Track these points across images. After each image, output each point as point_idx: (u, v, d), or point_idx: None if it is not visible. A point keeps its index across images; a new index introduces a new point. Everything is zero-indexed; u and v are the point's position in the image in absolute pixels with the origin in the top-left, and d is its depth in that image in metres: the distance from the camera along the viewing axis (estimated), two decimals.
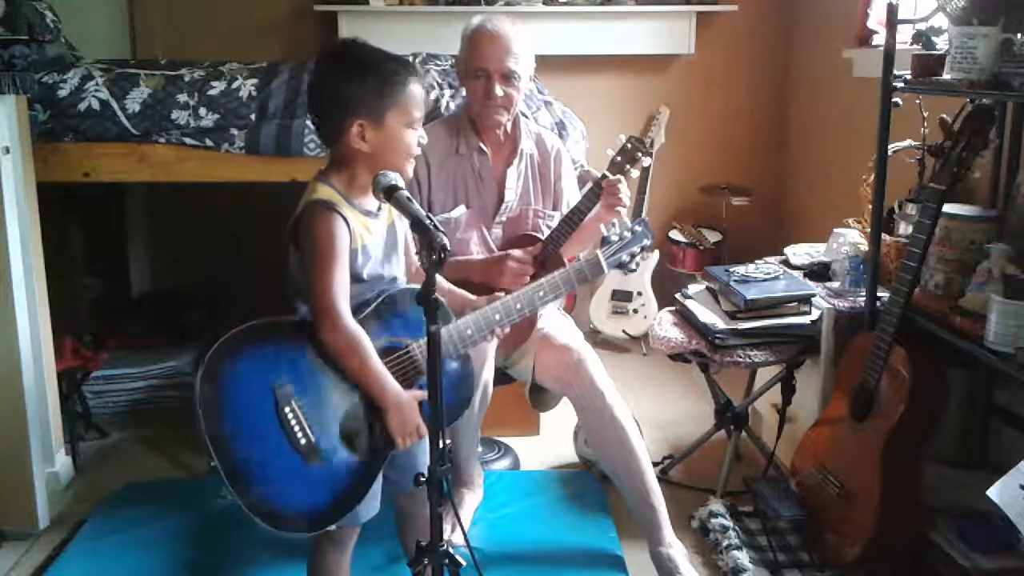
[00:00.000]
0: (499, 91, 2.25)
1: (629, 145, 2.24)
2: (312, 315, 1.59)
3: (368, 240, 1.67)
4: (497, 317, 1.76)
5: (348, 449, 1.62)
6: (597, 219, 2.29)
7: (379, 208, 1.71)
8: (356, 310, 1.64)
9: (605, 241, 1.91)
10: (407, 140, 1.67)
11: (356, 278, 1.65)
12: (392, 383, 1.61)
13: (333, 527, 1.69)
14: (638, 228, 1.92)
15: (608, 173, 2.23)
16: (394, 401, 1.60)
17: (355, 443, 1.63)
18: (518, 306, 1.77)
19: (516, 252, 2.28)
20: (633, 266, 1.95)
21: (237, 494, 1.56)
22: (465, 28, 2.32)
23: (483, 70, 2.25)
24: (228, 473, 1.56)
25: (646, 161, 2.29)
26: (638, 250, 1.92)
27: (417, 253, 1.42)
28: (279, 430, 1.58)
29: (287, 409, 1.59)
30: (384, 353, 1.65)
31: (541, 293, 1.80)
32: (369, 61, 1.66)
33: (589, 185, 2.28)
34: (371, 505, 1.71)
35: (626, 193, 2.25)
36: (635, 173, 2.29)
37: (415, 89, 1.67)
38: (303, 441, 1.59)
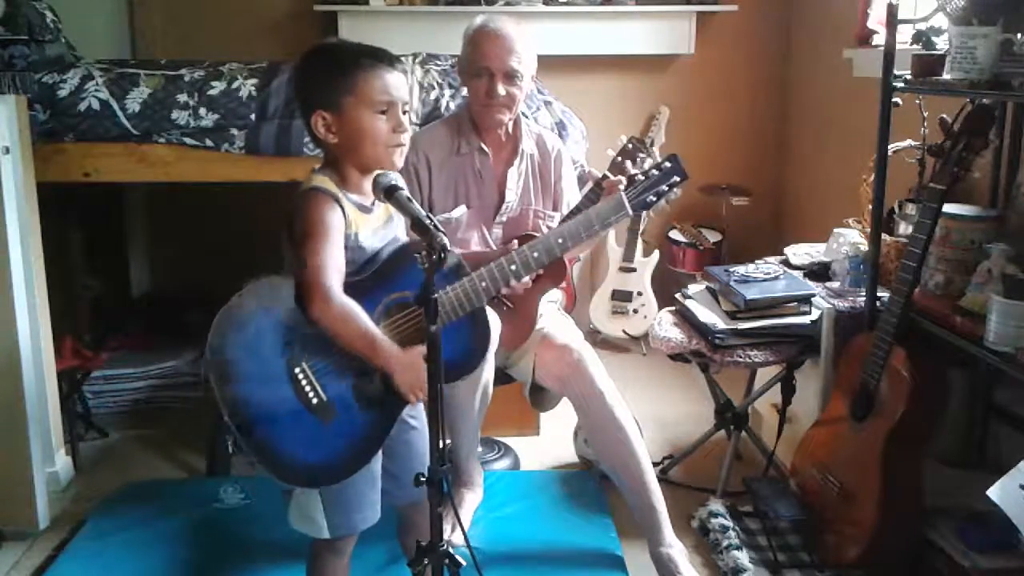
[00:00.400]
0: (501, 90, 2.25)
1: (630, 146, 2.24)
2: (301, 292, 1.56)
3: (360, 230, 1.65)
4: (513, 268, 1.72)
5: (361, 406, 1.63)
6: None
7: (373, 203, 1.69)
8: (360, 270, 1.65)
9: (632, 182, 1.80)
10: (375, 127, 1.62)
11: (351, 264, 1.63)
12: (391, 348, 1.59)
13: (327, 535, 1.69)
14: (667, 164, 1.80)
15: (609, 173, 2.23)
16: (396, 364, 1.59)
17: (368, 400, 1.63)
18: (535, 255, 1.74)
19: None
20: (662, 204, 1.82)
21: (255, 453, 1.59)
22: (468, 28, 2.33)
23: (486, 69, 2.25)
24: (245, 434, 1.58)
25: (647, 162, 2.29)
26: (666, 188, 1.80)
27: (417, 253, 1.41)
28: (290, 390, 1.59)
29: (297, 369, 1.59)
30: (392, 311, 1.64)
31: (560, 240, 1.76)
32: (324, 52, 1.66)
33: (590, 185, 2.28)
34: (369, 514, 1.72)
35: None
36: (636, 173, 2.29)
37: (375, 73, 1.61)
38: (315, 401, 1.59)
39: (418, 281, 1.58)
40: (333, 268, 1.57)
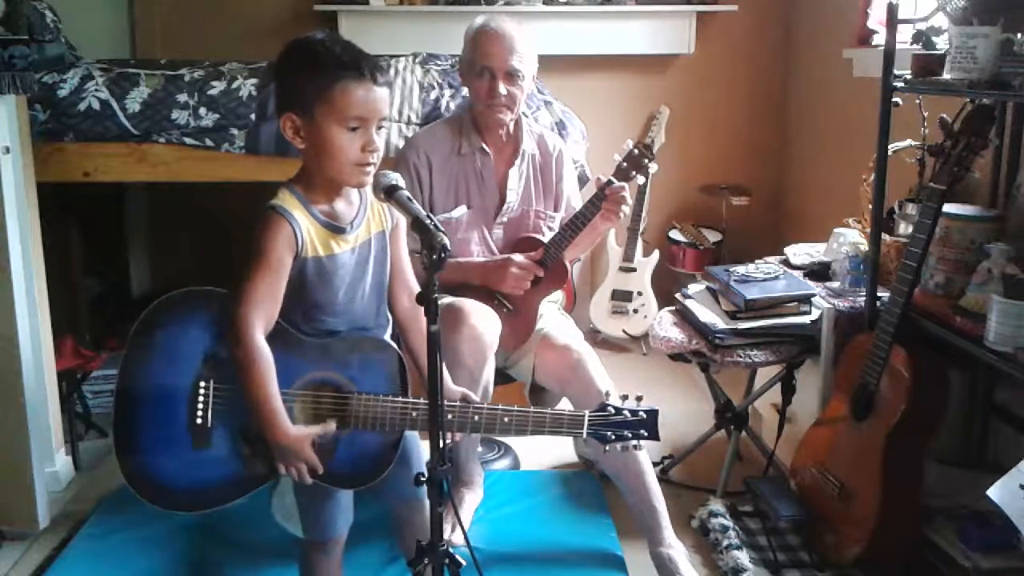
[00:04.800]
0: (503, 89, 2.25)
1: (636, 151, 2.24)
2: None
3: (324, 255, 1.59)
4: (450, 417, 1.64)
5: (236, 452, 1.61)
6: (597, 224, 2.28)
7: (353, 224, 1.63)
8: (317, 335, 1.61)
9: (604, 406, 1.69)
10: (342, 142, 1.53)
11: (306, 289, 1.59)
12: (280, 419, 1.53)
13: (301, 535, 1.69)
14: (643, 415, 1.68)
15: (614, 179, 2.23)
16: (281, 437, 1.54)
17: (245, 451, 1.60)
18: (476, 418, 1.65)
19: (519, 258, 2.28)
20: (619, 448, 1.67)
21: (116, 440, 1.60)
22: (469, 28, 2.33)
23: (487, 68, 2.25)
24: (118, 410, 1.59)
25: (653, 168, 2.29)
26: (628, 435, 1.67)
27: (417, 253, 1.41)
28: (184, 399, 1.58)
29: (202, 383, 1.58)
30: (312, 386, 1.61)
31: (506, 420, 1.66)
32: (305, 51, 1.55)
33: (593, 191, 2.28)
34: (341, 522, 1.72)
35: (628, 203, 2.27)
36: (641, 179, 2.29)
37: (353, 87, 1.51)
38: (198, 421, 1.58)
39: (357, 375, 1.61)
40: (259, 305, 1.53)
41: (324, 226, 1.60)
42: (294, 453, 1.55)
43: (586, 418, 1.67)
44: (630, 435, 1.67)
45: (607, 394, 1.72)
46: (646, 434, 1.67)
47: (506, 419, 1.66)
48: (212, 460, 1.60)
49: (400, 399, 1.62)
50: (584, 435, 1.67)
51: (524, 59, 2.27)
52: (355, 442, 1.63)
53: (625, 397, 1.70)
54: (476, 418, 1.66)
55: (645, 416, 1.68)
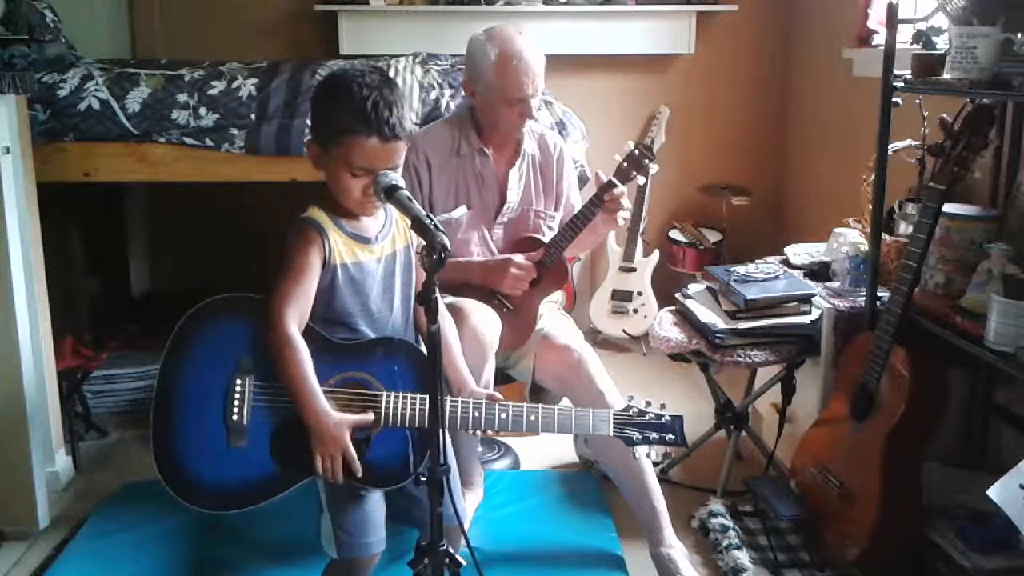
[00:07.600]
0: (535, 104, 2.28)
1: (637, 152, 2.24)
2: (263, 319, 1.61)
3: (350, 261, 1.66)
4: (477, 415, 1.67)
5: (272, 450, 1.63)
6: (597, 226, 2.29)
7: (378, 237, 1.70)
8: (349, 338, 1.66)
9: (629, 407, 1.71)
10: (347, 184, 1.62)
11: (338, 297, 1.65)
12: (323, 406, 1.59)
13: (335, 555, 1.69)
14: (668, 419, 1.70)
15: (615, 180, 2.23)
16: (322, 424, 1.58)
17: (281, 448, 1.63)
18: (503, 416, 1.67)
19: (518, 259, 2.28)
20: (644, 450, 1.70)
21: (154, 440, 1.62)
22: (486, 47, 2.25)
23: (522, 100, 2.25)
24: (158, 404, 1.62)
25: (653, 168, 2.29)
26: (654, 437, 1.69)
27: (418, 253, 1.42)
28: (221, 397, 1.62)
29: (238, 381, 1.62)
30: (347, 384, 1.65)
31: (532, 418, 1.68)
32: (337, 94, 1.62)
33: (593, 191, 2.28)
34: (374, 541, 1.73)
35: (627, 205, 2.27)
36: (641, 180, 2.29)
37: (365, 142, 1.58)
38: (234, 418, 1.61)
39: (389, 376, 1.64)
40: (292, 301, 1.60)
41: (351, 237, 1.67)
42: (333, 438, 1.58)
43: (611, 421, 1.69)
44: (656, 437, 1.69)
45: (631, 397, 1.73)
46: (673, 437, 1.69)
47: (532, 417, 1.68)
48: (247, 458, 1.63)
49: (428, 395, 1.64)
50: (611, 434, 1.69)
51: (543, 76, 2.28)
52: (385, 441, 1.65)
53: (648, 404, 1.73)
54: (503, 416, 1.68)
55: (671, 423, 1.70)
